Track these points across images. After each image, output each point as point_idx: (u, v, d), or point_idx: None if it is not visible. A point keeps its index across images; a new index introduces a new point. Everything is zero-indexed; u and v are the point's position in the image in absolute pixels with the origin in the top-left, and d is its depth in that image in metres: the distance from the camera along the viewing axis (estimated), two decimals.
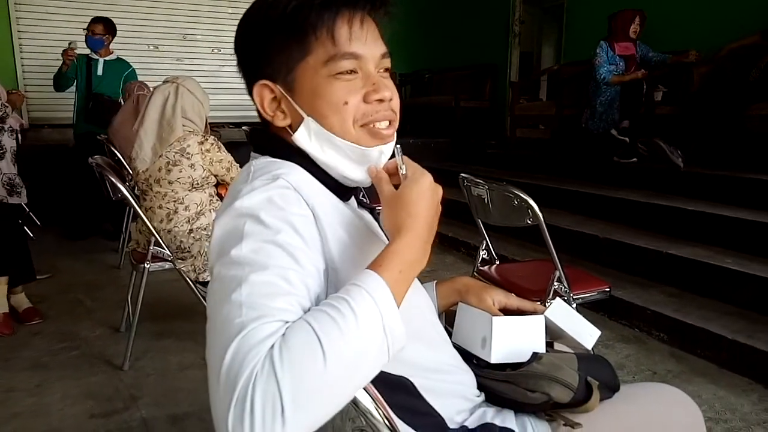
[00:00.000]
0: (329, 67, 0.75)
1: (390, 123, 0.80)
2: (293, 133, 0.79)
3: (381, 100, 0.77)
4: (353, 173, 0.81)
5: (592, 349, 1.03)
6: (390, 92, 0.78)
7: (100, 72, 4.43)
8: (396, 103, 0.81)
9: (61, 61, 4.32)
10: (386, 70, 0.81)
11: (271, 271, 0.63)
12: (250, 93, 0.81)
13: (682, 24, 4.58)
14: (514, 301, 1.04)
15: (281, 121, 0.80)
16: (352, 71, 0.76)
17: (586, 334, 1.02)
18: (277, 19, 0.76)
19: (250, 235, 0.66)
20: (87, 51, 4.46)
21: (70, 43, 4.28)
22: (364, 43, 0.76)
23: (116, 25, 4.58)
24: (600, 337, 1.04)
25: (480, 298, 1.03)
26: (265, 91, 0.79)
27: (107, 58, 4.49)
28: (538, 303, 1.07)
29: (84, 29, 4.42)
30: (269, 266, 0.64)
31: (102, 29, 4.38)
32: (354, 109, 0.77)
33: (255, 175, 0.75)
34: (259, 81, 0.79)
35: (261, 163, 0.80)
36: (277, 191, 0.71)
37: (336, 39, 0.75)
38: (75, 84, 4.46)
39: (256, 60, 0.80)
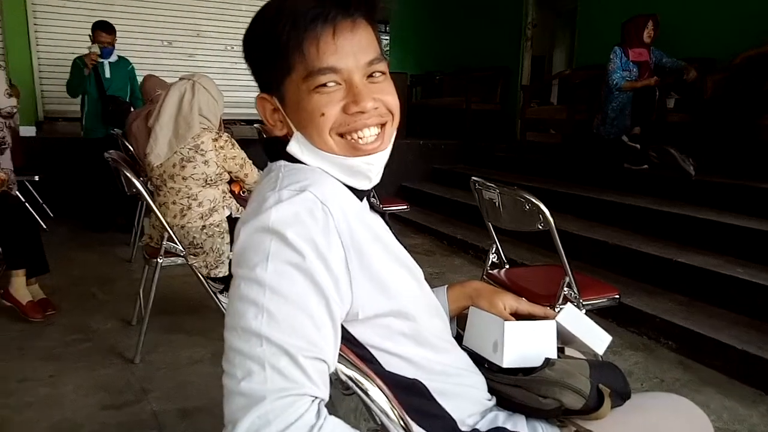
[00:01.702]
0: (308, 82, 0.77)
1: (381, 127, 0.81)
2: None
3: (361, 112, 0.78)
4: (347, 181, 0.83)
5: (602, 355, 1.04)
6: (373, 101, 0.78)
7: (108, 75, 4.46)
8: (389, 106, 0.81)
9: (81, 66, 4.34)
10: (382, 73, 0.80)
11: (291, 304, 0.69)
12: None
13: (697, 30, 4.56)
14: (525, 305, 1.05)
15: (279, 131, 0.84)
16: (333, 83, 0.77)
17: (598, 339, 1.03)
18: (264, 40, 0.79)
19: (276, 255, 0.70)
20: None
21: (91, 48, 4.32)
22: (339, 56, 0.76)
23: (130, 21, 4.61)
24: (608, 343, 1.05)
25: (491, 303, 1.04)
26: (265, 103, 0.84)
27: (111, 60, 4.54)
28: (549, 308, 1.07)
29: (89, 36, 4.42)
30: (291, 297, 0.69)
31: (108, 37, 4.40)
32: (331, 119, 0.78)
33: (283, 183, 0.77)
34: (259, 93, 0.84)
35: (288, 168, 0.82)
36: (305, 207, 0.73)
37: (307, 56, 0.76)
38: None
39: (255, 74, 0.84)
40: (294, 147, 0.82)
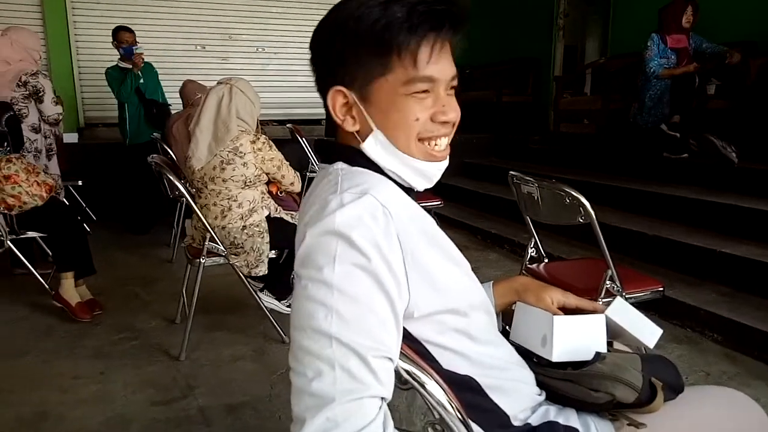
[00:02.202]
0: (407, 87, 0.79)
1: (449, 139, 0.86)
2: (361, 140, 0.83)
3: (446, 122, 0.82)
4: (412, 182, 0.86)
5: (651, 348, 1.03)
6: (455, 113, 0.83)
7: (141, 79, 4.58)
8: (456, 121, 0.85)
9: (115, 75, 4.48)
10: (452, 88, 0.84)
11: (359, 304, 0.71)
12: (320, 91, 0.85)
13: (737, 13, 4.41)
14: (572, 299, 1.05)
15: (351, 126, 0.84)
16: (426, 91, 0.80)
17: (648, 332, 1.02)
18: (363, 34, 0.78)
19: (342, 257, 0.72)
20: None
21: (136, 49, 4.43)
22: (440, 67, 0.80)
23: (163, 27, 4.73)
24: (659, 336, 1.03)
25: (538, 297, 1.04)
26: (338, 96, 0.83)
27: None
28: (598, 302, 1.07)
29: (113, 41, 4.53)
30: (358, 297, 0.71)
31: (131, 36, 4.51)
32: (421, 125, 0.81)
33: (343, 186, 0.79)
34: (334, 86, 0.82)
35: (347, 171, 0.84)
36: (368, 210, 0.75)
37: (418, 62, 0.78)
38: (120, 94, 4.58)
39: (333, 66, 0.82)
40: (371, 145, 0.83)
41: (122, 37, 4.49)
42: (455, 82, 0.84)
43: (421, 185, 0.87)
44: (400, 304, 0.75)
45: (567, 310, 1.04)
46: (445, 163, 0.87)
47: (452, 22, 0.79)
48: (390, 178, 0.85)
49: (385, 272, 0.73)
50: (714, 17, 4.33)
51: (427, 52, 0.78)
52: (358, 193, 0.77)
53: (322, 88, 0.85)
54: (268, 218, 2.52)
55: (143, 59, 4.44)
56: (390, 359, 0.72)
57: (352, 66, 0.80)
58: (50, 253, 2.83)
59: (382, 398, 0.70)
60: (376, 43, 0.77)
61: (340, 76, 0.82)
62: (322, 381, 0.67)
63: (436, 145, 0.84)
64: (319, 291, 0.71)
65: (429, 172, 0.85)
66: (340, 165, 0.85)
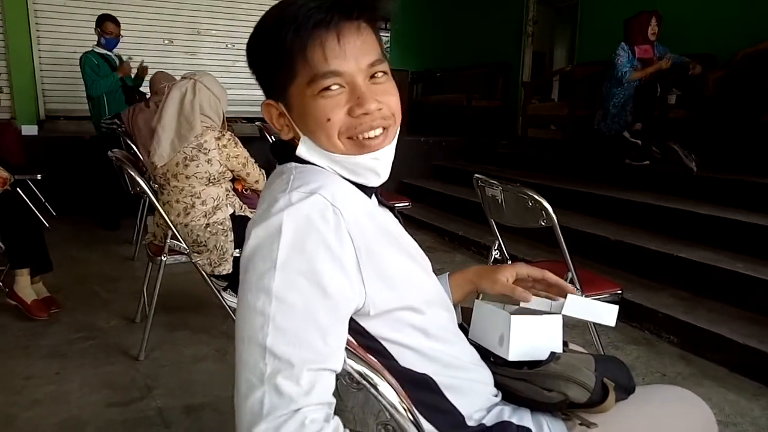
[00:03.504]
0: (312, 87, 0.78)
1: (384, 129, 0.82)
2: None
3: (366, 113, 0.79)
4: (356, 179, 0.84)
5: (613, 326, 1.03)
6: (377, 103, 0.79)
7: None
8: (391, 108, 0.82)
9: (95, 60, 4.41)
10: (384, 73, 0.81)
11: (298, 314, 0.69)
12: None
13: (696, 26, 4.56)
14: (530, 270, 1.06)
15: (286, 135, 0.86)
16: (337, 86, 0.78)
17: (605, 314, 1.02)
18: (267, 47, 0.79)
19: (285, 263, 0.70)
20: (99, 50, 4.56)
21: (130, 58, 4.42)
22: (343, 59, 0.77)
23: (131, 20, 4.68)
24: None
25: (493, 281, 1.04)
26: (271, 109, 0.85)
27: (119, 53, 4.57)
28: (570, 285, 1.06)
29: (96, 28, 4.48)
30: (298, 306, 0.69)
31: (116, 28, 4.45)
32: (338, 124, 0.79)
33: (294, 185, 0.78)
34: (265, 100, 0.85)
35: (299, 170, 0.83)
36: (316, 209, 0.74)
37: (311, 62, 0.76)
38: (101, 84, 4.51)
39: (261, 82, 0.84)
40: (302, 151, 0.83)
41: (107, 27, 4.42)
42: (379, 68, 0.80)
43: (369, 181, 0.85)
44: (348, 306, 0.75)
45: (531, 282, 1.05)
46: (385, 151, 0.83)
47: (343, 10, 0.76)
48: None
49: (332, 275, 0.72)
50: (673, 30, 4.46)
51: (318, 49, 0.76)
52: (307, 192, 0.75)
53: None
54: (233, 216, 2.49)
55: (127, 72, 4.39)
56: (330, 369, 0.70)
57: (269, 78, 0.82)
58: (3, 249, 2.73)
59: (321, 406, 0.67)
60: (277, 53, 0.78)
61: (267, 89, 0.84)
62: (253, 397, 0.66)
63: (366, 137, 0.80)
64: (258, 299, 0.69)
65: (366, 164, 0.82)
66: (293, 164, 0.85)
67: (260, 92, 0.87)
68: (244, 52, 0.84)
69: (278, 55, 0.78)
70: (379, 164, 0.83)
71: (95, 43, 4.57)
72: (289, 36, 0.76)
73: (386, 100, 0.80)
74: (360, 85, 0.78)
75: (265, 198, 0.80)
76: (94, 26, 4.54)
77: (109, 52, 4.53)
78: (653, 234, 3.39)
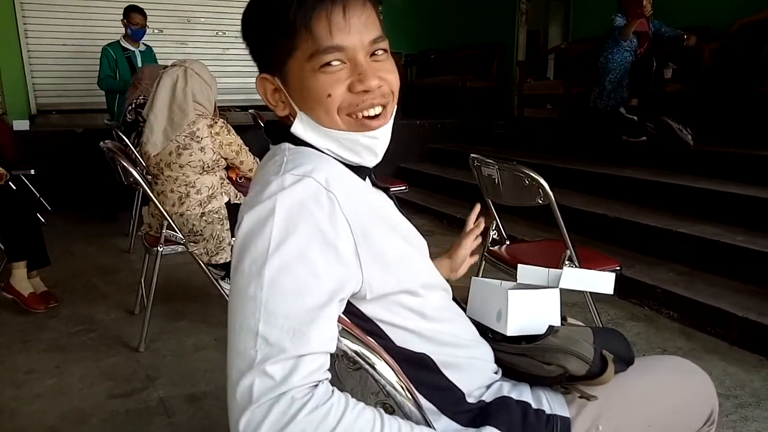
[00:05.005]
0: (313, 61, 0.76)
1: (384, 107, 0.81)
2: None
3: (366, 91, 0.77)
4: (353, 158, 0.82)
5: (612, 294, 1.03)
6: (378, 80, 0.78)
7: (140, 63, 4.45)
8: (391, 86, 0.80)
9: (113, 55, 4.40)
10: (384, 51, 0.80)
11: (291, 300, 0.67)
12: None
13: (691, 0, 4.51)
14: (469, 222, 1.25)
15: (281, 111, 0.84)
16: (338, 62, 0.76)
17: (602, 282, 1.02)
18: (267, 18, 0.77)
19: (278, 248, 0.68)
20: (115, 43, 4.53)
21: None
22: (347, 34, 0.75)
23: (119, 7, 4.61)
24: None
25: (456, 246, 1.20)
26: (266, 84, 0.82)
27: (141, 49, 4.52)
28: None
29: (122, 19, 4.45)
30: (291, 292, 0.67)
31: (142, 19, 4.42)
32: (338, 100, 0.77)
33: (287, 167, 0.76)
34: (260, 74, 0.82)
35: (293, 152, 0.81)
36: (310, 194, 0.72)
37: (315, 35, 0.74)
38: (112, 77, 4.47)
39: (256, 55, 0.82)
40: (298, 127, 0.81)
41: (133, 18, 4.37)
42: (381, 45, 0.79)
43: (365, 160, 0.83)
44: (342, 291, 0.73)
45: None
46: (384, 131, 0.82)
47: None
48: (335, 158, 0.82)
49: (325, 259, 0.70)
50: (668, 3, 4.41)
51: (323, 22, 0.74)
52: (300, 175, 0.74)
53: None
54: (228, 205, 2.47)
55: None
56: (322, 353, 0.68)
57: (267, 52, 0.80)
58: (1, 246, 2.72)
59: (311, 386, 0.66)
60: (278, 25, 0.76)
61: (263, 63, 0.82)
62: (242, 384, 0.64)
63: (366, 116, 0.79)
64: (251, 285, 0.68)
65: (363, 142, 0.80)
66: (287, 145, 0.83)
67: (253, 81, 0.85)
68: (236, 40, 0.82)
69: (279, 26, 0.75)
70: (377, 143, 0.82)
71: (121, 35, 4.54)
72: (293, 6, 0.74)
73: (387, 78, 0.79)
74: (361, 62, 0.77)
75: (258, 180, 0.78)
76: (83, 18, 4.48)
77: (131, 47, 4.48)
78: (651, 210, 3.38)
